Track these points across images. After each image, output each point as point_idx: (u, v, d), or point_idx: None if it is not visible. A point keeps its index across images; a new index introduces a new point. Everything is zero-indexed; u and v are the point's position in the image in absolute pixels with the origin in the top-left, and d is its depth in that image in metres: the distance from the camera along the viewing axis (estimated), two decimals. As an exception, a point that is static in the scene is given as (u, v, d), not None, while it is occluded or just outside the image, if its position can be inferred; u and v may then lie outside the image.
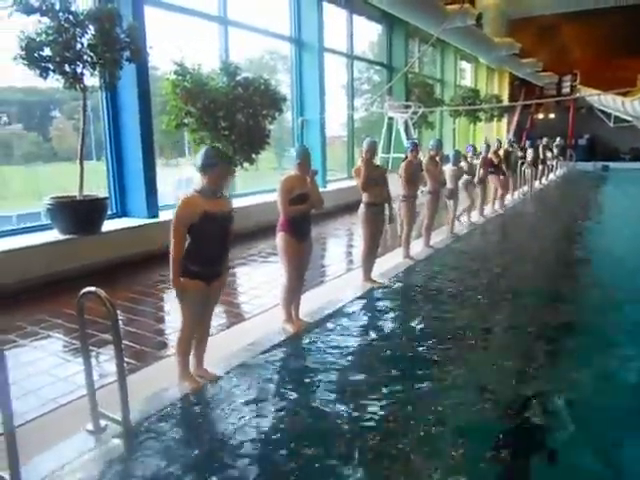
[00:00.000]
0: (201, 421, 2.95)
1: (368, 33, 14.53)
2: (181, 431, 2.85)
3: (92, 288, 2.65)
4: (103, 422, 2.79)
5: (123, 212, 6.89)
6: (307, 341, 4.03)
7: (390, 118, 12.35)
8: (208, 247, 3.15)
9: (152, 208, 6.81)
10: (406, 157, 6.40)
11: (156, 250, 6.45)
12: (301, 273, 4.23)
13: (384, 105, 11.91)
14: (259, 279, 5.89)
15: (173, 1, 7.74)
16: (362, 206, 5.39)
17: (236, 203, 8.24)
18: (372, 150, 5.25)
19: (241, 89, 7.44)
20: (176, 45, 7.69)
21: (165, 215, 7.11)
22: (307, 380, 3.43)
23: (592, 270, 6.58)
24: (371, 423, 2.91)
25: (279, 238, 4.08)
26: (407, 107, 12.33)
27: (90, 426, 2.78)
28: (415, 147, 6.33)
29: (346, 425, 2.88)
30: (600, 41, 22.17)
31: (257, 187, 9.83)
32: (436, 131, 17.26)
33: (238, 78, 7.47)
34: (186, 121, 7.27)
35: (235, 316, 4.65)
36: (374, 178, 5.22)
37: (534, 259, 6.98)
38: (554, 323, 4.45)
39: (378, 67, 14.50)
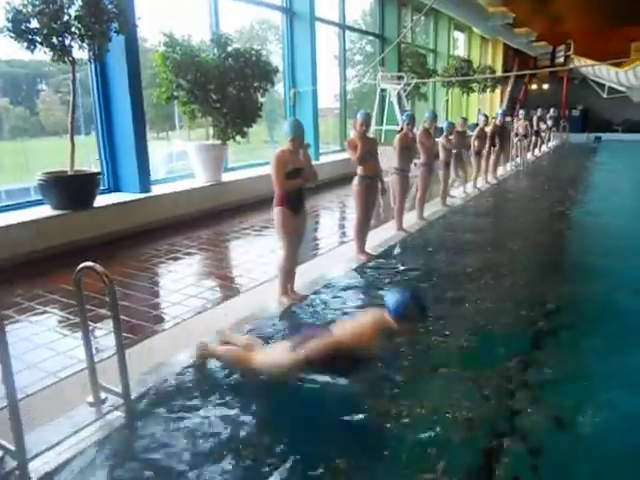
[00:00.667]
0: (197, 394, 3.01)
1: (360, 2, 14.34)
2: (179, 402, 2.91)
3: (89, 263, 2.68)
4: (103, 394, 2.84)
5: (115, 187, 6.86)
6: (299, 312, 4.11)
7: (383, 90, 12.26)
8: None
9: (144, 183, 6.79)
10: (402, 129, 6.39)
11: (150, 224, 6.51)
12: (298, 245, 4.30)
13: (377, 76, 11.80)
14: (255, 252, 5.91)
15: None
16: (356, 179, 5.41)
17: (229, 177, 8.32)
18: (367, 123, 5.24)
19: (232, 61, 7.39)
20: (165, 16, 7.61)
21: (158, 189, 7.12)
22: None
23: (585, 252, 6.57)
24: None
25: (276, 212, 4.11)
26: (400, 78, 12.24)
27: (91, 398, 2.83)
28: (411, 119, 6.32)
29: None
30: (594, 10, 21.95)
31: (249, 160, 9.82)
32: (429, 102, 17.18)
33: (229, 49, 7.41)
34: (177, 94, 7.24)
35: (230, 290, 4.70)
36: (368, 151, 5.23)
37: (525, 233, 7.08)
38: (545, 300, 4.49)
39: (370, 37, 14.33)
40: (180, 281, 4.85)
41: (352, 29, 13.43)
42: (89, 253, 5.22)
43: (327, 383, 2.94)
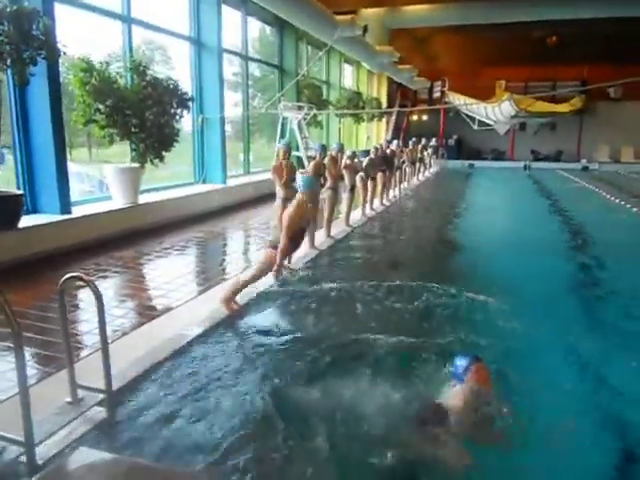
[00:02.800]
0: (170, 392, 3.38)
1: (261, 35, 15.10)
2: (158, 398, 3.27)
3: (75, 273, 3.00)
4: (84, 392, 3.12)
5: (34, 209, 6.87)
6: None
7: (284, 118, 13.00)
8: None
9: (65, 204, 6.87)
10: (315, 157, 7.13)
11: (75, 245, 6.61)
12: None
13: (279, 106, 12.52)
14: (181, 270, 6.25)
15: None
16: (279, 200, 5.99)
17: (149, 198, 8.52)
18: (289, 151, 5.88)
19: (150, 88, 7.70)
20: (82, 41, 7.76)
21: (77, 211, 7.21)
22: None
23: (470, 259, 7.73)
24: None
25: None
26: (300, 108, 13.07)
27: (72, 397, 3.06)
28: (323, 149, 7.10)
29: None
30: (464, 52, 24.60)
31: (166, 182, 10.08)
32: (324, 130, 18.25)
33: (147, 78, 7.72)
34: (95, 118, 7.40)
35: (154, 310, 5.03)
36: (291, 176, 5.86)
37: (420, 242, 8.16)
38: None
39: (270, 68, 15.09)
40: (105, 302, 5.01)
41: (254, 60, 14.09)
42: (17, 273, 5.31)
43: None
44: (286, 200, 6.00)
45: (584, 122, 26.08)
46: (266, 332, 4.36)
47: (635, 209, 11.44)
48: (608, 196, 13.50)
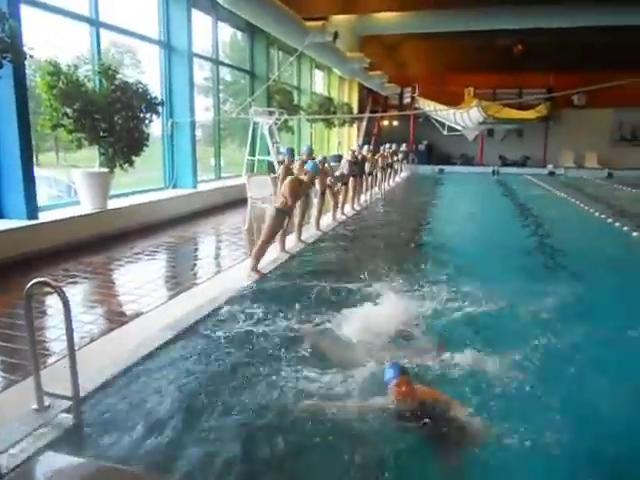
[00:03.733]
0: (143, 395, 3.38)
1: (232, 40, 15.10)
2: (126, 404, 3.27)
3: (42, 279, 2.98)
4: (50, 399, 3.09)
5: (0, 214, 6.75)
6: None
7: (255, 122, 13.02)
8: None
9: (31, 209, 6.76)
10: (284, 161, 7.16)
11: (43, 251, 6.52)
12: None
13: (250, 111, 12.53)
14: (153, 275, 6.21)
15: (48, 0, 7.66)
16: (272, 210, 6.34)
17: (119, 203, 8.45)
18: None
19: (120, 92, 7.64)
20: (49, 44, 7.67)
21: (45, 216, 7.11)
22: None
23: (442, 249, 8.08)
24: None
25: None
26: (271, 113, 13.09)
27: (38, 404, 3.03)
28: (291, 153, 7.14)
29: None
30: (436, 59, 24.99)
31: (135, 187, 9.99)
32: (295, 135, 18.30)
33: (117, 82, 7.66)
34: (63, 122, 7.31)
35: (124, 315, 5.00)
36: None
37: (390, 244, 8.33)
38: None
39: (241, 72, 15.09)
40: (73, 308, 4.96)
41: (225, 64, 14.08)
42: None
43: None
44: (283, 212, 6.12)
45: (550, 129, 26.76)
46: (238, 334, 4.38)
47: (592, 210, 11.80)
48: (579, 203, 13.79)
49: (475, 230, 10.22)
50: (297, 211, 7.94)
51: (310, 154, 8.01)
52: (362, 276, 5.94)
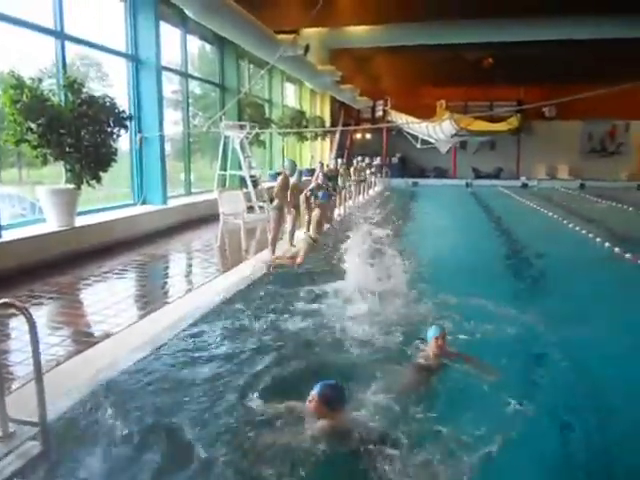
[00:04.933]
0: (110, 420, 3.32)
1: (202, 52, 15.13)
2: (95, 429, 3.20)
3: (6, 299, 2.91)
4: (16, 426, 3.00)
5: (-41, 232, 6.59)
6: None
7: (226, 137, 12.99)
8: None
9: (-6, 227, 6.62)
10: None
11: (4, 271, 6.37)
12: None
13: (220, 125, 12.50)
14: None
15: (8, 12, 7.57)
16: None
17: (86, 221, 8.33)
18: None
19: (86, 106, 7.57)
20: (11, 57, 7.58)
21: (8, 235, 6.96)
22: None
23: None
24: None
25: None
26: (242, 127, 13.09)
27: (3, 431, 2.93)
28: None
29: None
30: (407, 72, 25.44)
31: (103, 204, 9.89)
32: (267, 149, 18.36)
33: (83, 95, 7.59)
34: (27, 137, 7.20)
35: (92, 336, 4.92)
36: None
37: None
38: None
39: (211, 85, 15.10)
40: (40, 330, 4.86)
41: (194, 78, 14.08)
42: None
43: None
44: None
45: (522, 140, 27.41)
46: (205, 357, 4.35)
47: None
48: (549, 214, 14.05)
49: (450, 246, 9.92)
50: (270, 226, 8.00)
51: (293, 169, 8.15)
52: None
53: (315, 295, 6.01)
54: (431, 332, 4.23)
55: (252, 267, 7.17)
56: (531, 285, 7.17)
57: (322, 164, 11.75)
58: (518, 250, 9.41)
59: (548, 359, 4.47)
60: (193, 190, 13.46)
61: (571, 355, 4.43)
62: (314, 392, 3.29)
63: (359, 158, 16.40)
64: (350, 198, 14.45)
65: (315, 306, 5.64)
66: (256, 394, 3.65)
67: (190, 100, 13.92)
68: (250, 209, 10.15)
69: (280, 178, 8.03)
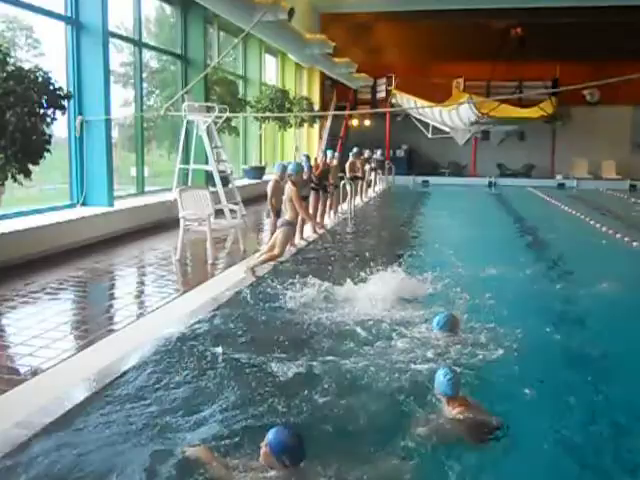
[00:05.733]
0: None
1: (160, 16, 15.18)
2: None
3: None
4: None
5: None
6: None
7: (189, 122, 12.98)
8: None
9: None
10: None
11: None
12: None
13: (182, 107, 12.50)
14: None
15: None
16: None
17: (10, 226, 8.30)
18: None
19: (13, 82, 7.53)
20: None
21: None
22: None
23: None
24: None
25: None
26: (209, 109, 13.10)
27: None
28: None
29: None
30: (417, 44, 25.55)
31: (33, 205, 9.87)
32: (241, 137, 18.41)
33: (9, 68, 7.56)
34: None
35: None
36: None
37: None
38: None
39: (170, 57, 15.14)
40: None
41: (150, 47, 14.12)
42: None
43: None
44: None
45: (557, 130, 27.60)
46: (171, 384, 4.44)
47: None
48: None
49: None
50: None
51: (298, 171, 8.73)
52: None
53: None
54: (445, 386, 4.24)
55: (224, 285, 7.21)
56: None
57: (308, 157, 11.74)
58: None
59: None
60: (147, 188, 13.45)
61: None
62: (267, 438, 3.33)
63: (355, 150, 16.35)
64: (343, 201, 14.47)
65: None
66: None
67: (144, 75, 13.95)
68: (219, 213, 10.13)
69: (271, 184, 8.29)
